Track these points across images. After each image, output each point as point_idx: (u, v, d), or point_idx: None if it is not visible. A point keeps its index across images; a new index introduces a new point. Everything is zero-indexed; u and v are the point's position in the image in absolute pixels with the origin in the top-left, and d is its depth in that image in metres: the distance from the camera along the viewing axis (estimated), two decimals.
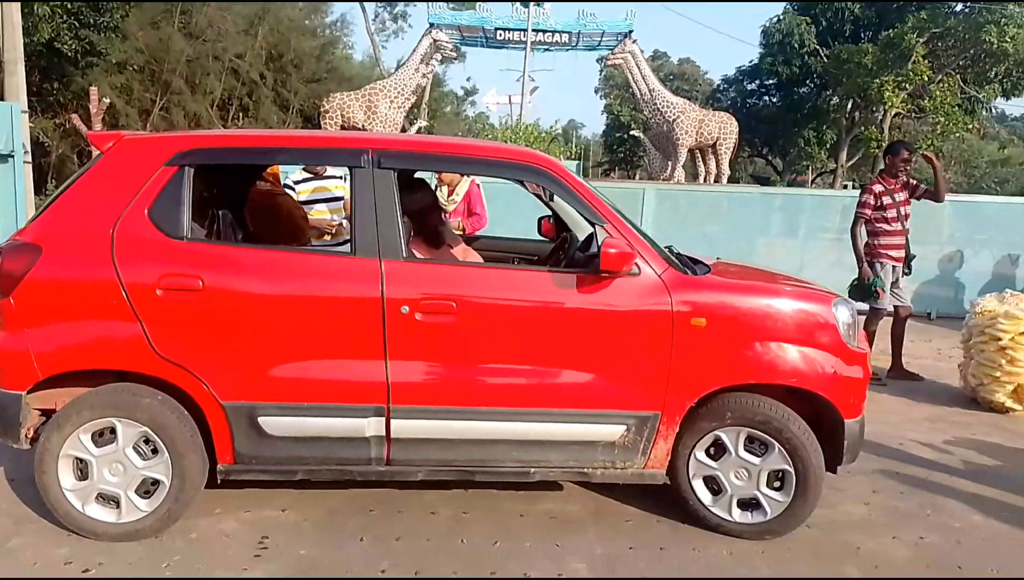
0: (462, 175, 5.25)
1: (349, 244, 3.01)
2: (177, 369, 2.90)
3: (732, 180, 27.70)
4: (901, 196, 5.74)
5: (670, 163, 24.64)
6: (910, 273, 5.99)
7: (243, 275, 2.94)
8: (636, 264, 2.98)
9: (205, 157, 3.04)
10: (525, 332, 3.01)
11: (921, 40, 20.64)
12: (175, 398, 2.96)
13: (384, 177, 3.01)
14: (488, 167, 3.32)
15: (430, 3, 27.83)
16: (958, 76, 22.57)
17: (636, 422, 3.05)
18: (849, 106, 27.73)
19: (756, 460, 3.12)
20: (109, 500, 3.00)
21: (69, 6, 14.07)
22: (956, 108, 21.70)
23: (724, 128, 23.47)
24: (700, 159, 24.73)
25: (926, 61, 20.63)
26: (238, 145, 3.16)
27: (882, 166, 5.97)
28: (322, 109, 22.72)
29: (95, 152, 3.17)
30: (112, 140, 3.00)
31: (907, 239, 5.82)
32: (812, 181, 40.86)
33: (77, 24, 14.97)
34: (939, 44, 21.37)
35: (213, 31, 19.25)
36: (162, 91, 18.66)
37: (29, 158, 8.61)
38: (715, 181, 24.22)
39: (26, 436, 3.00)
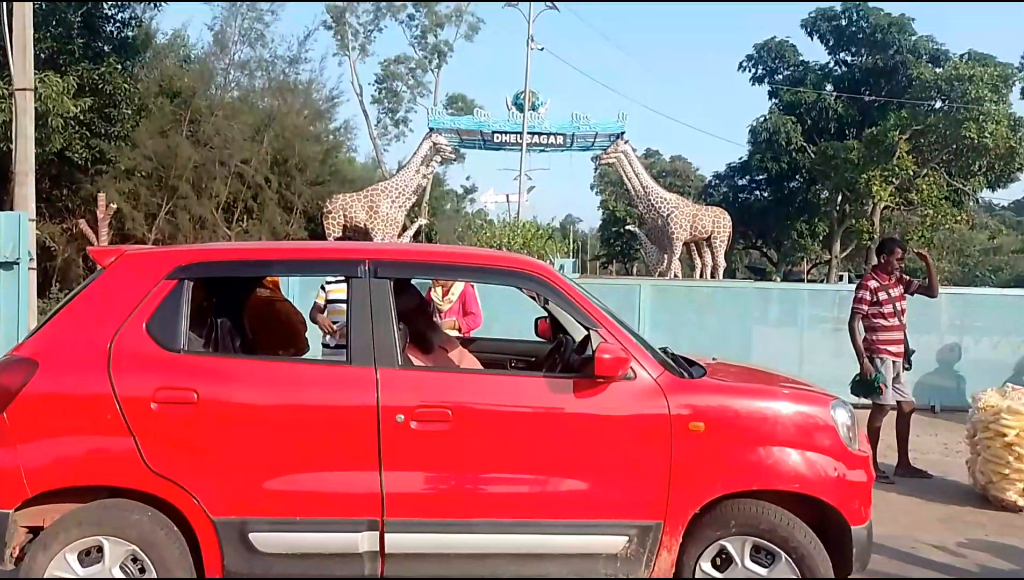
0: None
1: (345, 352, 3.02)
2: (168, 484, 2.85)
3: (728, 272, 28.11)
4: (896, 291, 5.80)
5: (666, 256, 25.04)
6: (910, 368, 5.98)
7: (238, 386, 2.94)
8: (631, 368, 2.98)
9: (204, 270, 3.11)
10: (522, 439, 2.97)
11: (904, 137, 21.45)
12: (165, 514, 2.89)
13: (380, 286, 3.06)
14: (483, 274, 3.38)
15: (430, 108, 29.09)
16: (943, 170, 23.30)
17: (638, 532, 2.97)
18: (839, 199, 28.46)
19: (763, 571, 3.01)
20: None
21: (82, 117, 14.62)
22: (943, 200, 22.28)
23: (717, 222, 24.01)
24: (696, 252, 25.16)
25: (910, 156, 21.36)
26: (236, 258, 3.23)
27: (875, 261, 6.06)
28: (325, 210, 23.28)
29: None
30: (114, 255, 3.07)
31: (905, 334, 5.84)
32: (807, 272, 41.36)
33: (88, 134, 15.54)
34: (922, 140, 22.20)
35: (220, 138, 19.95)
36: (168, 196, 19.15)
37: (34, 264, 8.75)
38: (712, 273, 24.57)
39: (11, 556, 2.91)
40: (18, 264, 8.13)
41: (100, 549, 2.85)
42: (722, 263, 24.63)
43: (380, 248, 3.35)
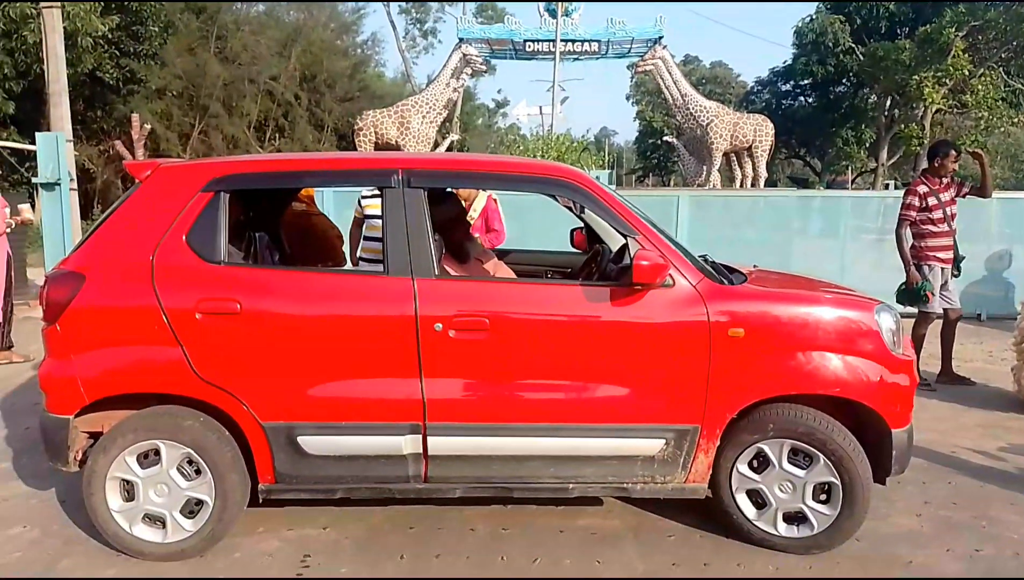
0: (482, 190, 5.22)
1: (383, 263, 3.03)
2: (217, 391, 2.94)
3: (769, 182, 27.33)
4: (946, 196, 5.58)
5: (705, 168, 24.43)
6: (959, 275, 5.82)
7: (279, 297, 2.98)
8: (670, 275, 2.94)
9: (239, 182, 3.10)
10: (559, 347, 2.98)
11: (960, 34, 20.15)
12: (216, 419, 3.01)
13: (414, 196, 3.03)
14: (517, 183, 3.32)
15: (459, 18, 28.12)
16: (1000, 69, 21.95)
17: (675, 436, 3.00)
18: (888, 104, 27.15)
19: (801, 473, 3.04)
20: (155, 520, 3.06)
21: (110, 36, 14.50)
22: (1000, 102, 21.10)
23: (759, 130, 23.20)
24: (736, 162, 24.48)
25: (966, 55, 20.12)
26: (270, 170, 3.21)
27: (925, 165, 5.80)
28: (356, 127, 23.06)
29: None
30: (149, 169, 3.08)
31: (955, 240, 5.66)
32: (852, 181, 40.03)
33: (118, 53, 15.46)
34: (979, 38, 20.83)
35: (248, 55, 19.68)
36: (200, 115, 19.14)
37: (75, 185, 8.89)
38: (752, 184, 23.94)
39: (75, 459, 3.07)
40: (59, 185, 8.30)
41: (157, 452, 2.99)
42: (763, 173, 23.93)
43: (414, 157, 3.30)
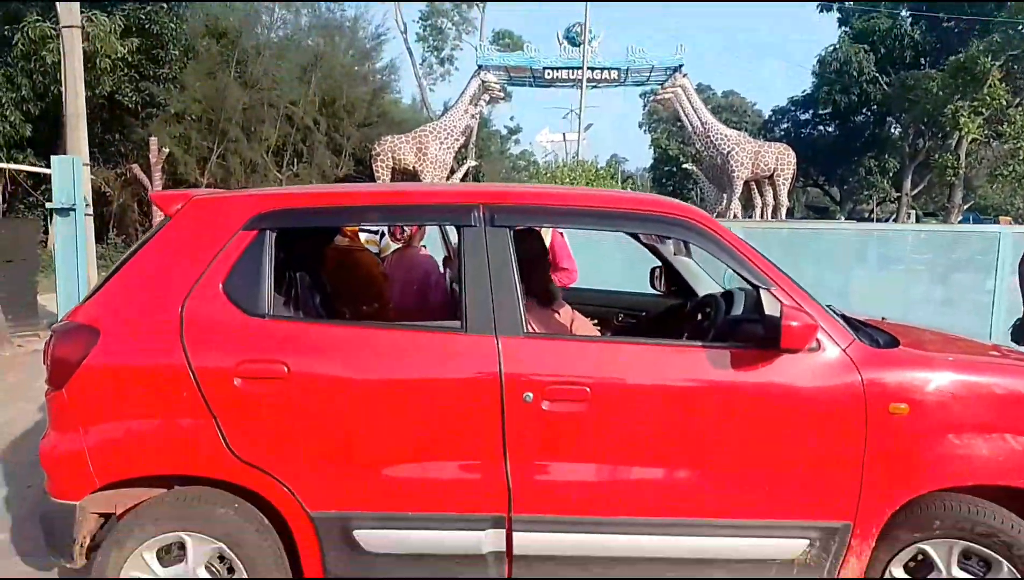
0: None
1: (460, 319, 2.48)
2: (257, 473, 2.40)
3: (788, 211, 26.84)
4: None
5: (725, 196, 24.01)
6: None
7: (336, 358, 2.44)
8: (817, 338, 2.39)
9: (288, 219, 2.58)
10: (676, 424, 2.43)
11: (997, 63, 19.67)
12: (255, 507, 2.46)
13: (498, 237, 2.50)
14: (621, 221, 2.77)
15: (478, 46, 28.00)
16: None
17: (821, 535, 2.43)
18: (912, 133, 26.70)
19: None
20: None
21: (130, 59, 14.29)
22: None
23: (781, 159, 22.82)
24: (756, 191, 24.05)
25: (1003, 84, 19.62)
26: (325, 204, 2.69)
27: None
28: (373, 152, 22.75)
29: (158, 215, 2.73)
30: (181, 201, 2.55)
31: None
32: (873, 210, 39.53)
33: (138, 76, 15.23)
34: (1015, 67, 20.36)
35: (268, 79, 19.45)
36: (219, 139, 18.84)
37: (90, 210, 8.46)
38: (773, 212, 23.50)
39: (82, 550, 2.52)
40: (74, 210, 7.86)
41: (182, 546, 2.45)
42: (785, 202, 23.48)
43: (497, 190, 2.77)
